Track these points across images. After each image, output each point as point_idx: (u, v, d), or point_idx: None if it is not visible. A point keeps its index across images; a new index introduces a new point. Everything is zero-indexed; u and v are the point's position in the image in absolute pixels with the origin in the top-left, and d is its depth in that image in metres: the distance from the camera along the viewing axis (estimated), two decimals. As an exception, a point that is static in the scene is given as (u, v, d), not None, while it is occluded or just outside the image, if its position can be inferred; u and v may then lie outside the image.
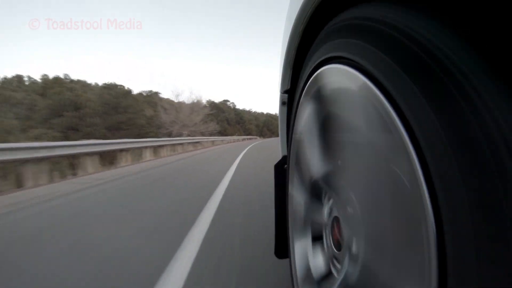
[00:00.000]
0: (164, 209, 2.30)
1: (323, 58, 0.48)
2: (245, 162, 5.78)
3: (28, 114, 20.12)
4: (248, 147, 12.83)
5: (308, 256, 0.62)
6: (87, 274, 1.24)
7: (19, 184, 4.17)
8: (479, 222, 0.20)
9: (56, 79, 26.92)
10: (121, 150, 7.16)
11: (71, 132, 17.64)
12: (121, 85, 27.06)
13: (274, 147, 10.29)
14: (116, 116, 21.90)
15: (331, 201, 0.55)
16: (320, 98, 0.52)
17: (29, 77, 32.03)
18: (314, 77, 0.53)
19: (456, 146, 0.22)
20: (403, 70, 0.27)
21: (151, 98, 30.44)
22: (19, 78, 32.13)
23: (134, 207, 2.43)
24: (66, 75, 30.93)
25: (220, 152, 9.69)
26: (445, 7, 0.25)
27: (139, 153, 8.21)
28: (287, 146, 0.75)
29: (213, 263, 1.30)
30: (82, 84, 29.39)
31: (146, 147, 8.60)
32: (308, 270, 0.61)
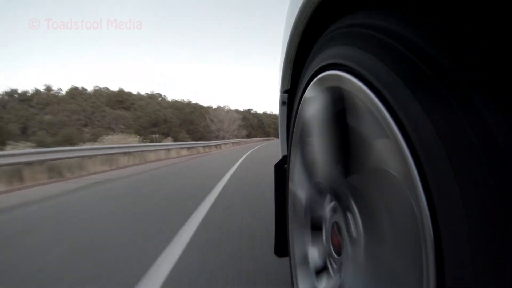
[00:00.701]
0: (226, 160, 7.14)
1: (323, 64, 0.48)
2: (260, 148, 16.34)
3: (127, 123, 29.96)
4: (264, 144, 25.73)
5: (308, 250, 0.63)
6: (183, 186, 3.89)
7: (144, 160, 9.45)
8: (475, 224, 0.20)
9: (127, 93, 38.85)
10: (189, 148, 14.16)
11: (163, 136, 26.34)
12: (188, 101, 45.03)
13: (276, 143, 15.59)
14: (188, 126, 35.10)
15: (331, 204, 0.55)
16: (319, 103, 0.53)
17: (83, 88, 38.75)
18: (315, 82, 0.53)
19: (451, 150, 0.22)
20: (400, 77, 0.28)
21: (196, 109, 43.92)
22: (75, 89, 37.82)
23: (202, 165, 7.06)
24: (121, 89, 40.45)
25: (249, 146, 21.25)
26: (442, 14, 0.26)
27: (207, 147, 16.78)
28: (287, 146, 0.75)
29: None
30: (155, 99, 42.68)
31: (210, 146, 17.58)
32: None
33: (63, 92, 36.14)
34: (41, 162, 5.56)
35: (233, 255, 1.46)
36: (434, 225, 0.23)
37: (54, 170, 5.96)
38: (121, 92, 37.38)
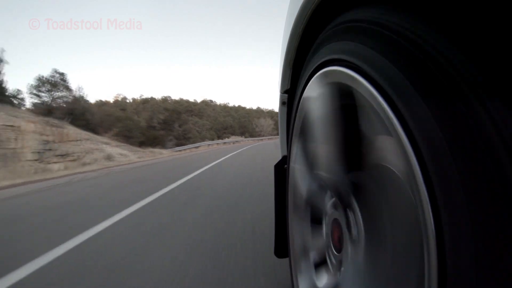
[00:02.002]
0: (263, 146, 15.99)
1: (323, 60, 0.48)
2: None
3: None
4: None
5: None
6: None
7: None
8: (478, 222, 0.20)
9: (205, 102, 51.74)
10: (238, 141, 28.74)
11: (225, 133, 39.08)
12: (240, 106, 57.25)
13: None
14: (243, 129, 46.59)
15: (331, 202, 0.55)
16: (320, 100, 0.53)
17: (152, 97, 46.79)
18: (314, 79, 0.53)
19: (454, 147, 0.22)
20: (402, 72, 0.28)
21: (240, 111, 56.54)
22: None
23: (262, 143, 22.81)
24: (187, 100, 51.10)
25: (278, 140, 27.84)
26: (442, 9, 0.25)
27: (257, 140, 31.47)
28: (287, 146, 0.75)
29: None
30: (209, 104, 53.01)
31: (260, 139, 32.59)
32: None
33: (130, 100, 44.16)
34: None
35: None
36: (436, 223, 0.23)
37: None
38: (181, 100, 47.09)
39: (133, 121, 22.00)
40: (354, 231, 0.43)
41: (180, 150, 17.92)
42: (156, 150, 16.63)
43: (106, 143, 13.16)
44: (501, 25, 0.21)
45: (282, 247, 0.79)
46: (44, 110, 13.64)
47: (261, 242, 1.61)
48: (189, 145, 20.48)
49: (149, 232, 2.00)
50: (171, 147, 20.29)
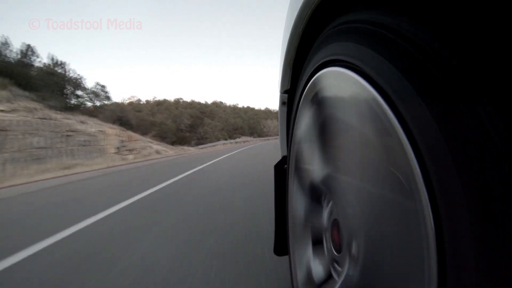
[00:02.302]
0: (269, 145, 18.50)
1: (323, 60, 0.48)
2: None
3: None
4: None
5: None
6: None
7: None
8: (478, 222, 0.20)
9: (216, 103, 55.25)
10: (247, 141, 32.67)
11: (236, 134, 42.43)
12: (249, 107, 60.57)
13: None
14: (252, 130, 49.98)
15: (330, 204, 0.55)
16: (320, 100, 0.52)
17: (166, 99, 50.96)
18: (314, 79, 0.53)
19: (454, 147, 0.22)
20: (402, 73, 0.28)
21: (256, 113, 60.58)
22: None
23: (267, 142, 25.40)
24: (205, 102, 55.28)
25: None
26: (442, 10, 0.25)
27: (265, 140, 34.74)
28: (287, 146, 0.75)
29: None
30: (219, 105, 55.95)
31: (266, 139, 35.44)
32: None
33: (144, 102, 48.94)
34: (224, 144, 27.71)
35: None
36: (436, 223, 0.23)
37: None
38: (193, 102, 51.21)
39: (167, 126, 27.33)
40: (353, 232, 0.43)
41: (202, 148, 23.40)
42: (185, 147, 22.64)
43: (151, 142, 18.30)
44: (500, 24, 0.21)
45: (281, 245, 0.80)
46: (108, 117, 17.67)
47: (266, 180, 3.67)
48: (208, 144, 26.69)
49: (222, 172, 5.08)
50: (193, 146, 26.49)
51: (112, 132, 14.46)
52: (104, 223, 2.29)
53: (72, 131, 11.83)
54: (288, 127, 0.77)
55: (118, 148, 14.23)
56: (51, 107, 12.40)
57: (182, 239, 1.75)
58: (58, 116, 11.98)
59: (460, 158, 0.21)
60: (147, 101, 45.47)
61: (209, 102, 55.69)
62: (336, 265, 0.51)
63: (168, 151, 17.83)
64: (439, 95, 0.23)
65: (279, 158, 0.83)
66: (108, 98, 20.02)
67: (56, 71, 15.72)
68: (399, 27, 0.29)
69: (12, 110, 9.78)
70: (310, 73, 0.55)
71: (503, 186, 0.19)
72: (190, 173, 5.24)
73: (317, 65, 0.51)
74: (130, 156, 14.49)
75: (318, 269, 0.59)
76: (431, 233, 0.24)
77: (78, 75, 18.07)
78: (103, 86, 19.62)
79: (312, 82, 0.54)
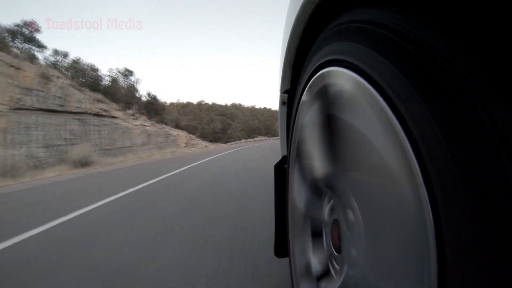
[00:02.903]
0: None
1: (323, 60, 0.48)
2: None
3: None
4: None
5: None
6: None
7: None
8: (478, 222, 0.20)
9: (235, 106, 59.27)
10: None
11: (254, 133, 46.70)
12: (265, 108, 62.87)
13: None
14: (267, 130, 52.07)
15: (331, 203, 0.54)
16: (320, 100, 0.52)
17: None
18: (315, 79, 0.53)
19: (454, 147, 0.22)
20: (402, 73, 0.28)
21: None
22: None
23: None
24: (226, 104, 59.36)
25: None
26: (441, 10, 0.25)
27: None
28: (287, 146, 0.75)
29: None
30: (238, 107, 59.84)
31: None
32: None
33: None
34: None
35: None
36: (436, 223, 0.23)
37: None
38: (214, 104, 56.48)
39: (206, 129, 38.66)
40: (353, 231, 0.43)
41: (230, 144, 31.00)
42: (220, 144, 31.04)
43: (199, 140, 27.89)
44: (499, 24, 0.21)
45: (282, 247, 0.80)
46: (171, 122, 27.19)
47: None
48: (233, 142, 34.83)
49: (248, 149, 15.01)
50: (224, 143, 34.65)
51: (182, 134, 25.17)
52: (204, 163, 7.74)
53: (168, 134, 22.73)
54: (288, 127, 0.77)
55: (185, 143, 24.24)
56: (156, 122, 22.98)
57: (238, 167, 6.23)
58: (159, 126, 22.93)
59: (460, 158, 0.21)
60: (171, 103, 48.75)
61: (229, 103, 59.64)
62: (334, 262, 0.51)
63: (210, 146, 26.92)
64: (440, 94, 0.23)
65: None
66: (163, 108, 27.76)
67: (155, 101, 25.32)
68: (399, 27, 0.29)
69: (149, 125, 20.74)
70: (310, 73, 0.55)
71: (503, 186, 0.19)
72: (231, 152, 13.43)
73: (317, 65, 0.51)
74: (194, 148, 23.76)
75: (316, 263, 0.59)
76: (430, 232, 0.23)
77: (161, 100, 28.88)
78: (154, 96, 26.54)
79: (312, 82, 0.54)
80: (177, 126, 26.88)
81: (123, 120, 17.69)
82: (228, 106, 57.54)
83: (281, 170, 0.79)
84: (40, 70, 12.52)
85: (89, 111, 14.82)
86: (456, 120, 0.22)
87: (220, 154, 11.57)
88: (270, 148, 12.70)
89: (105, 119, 15.98)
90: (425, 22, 0.26)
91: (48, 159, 11.47)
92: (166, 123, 24.71)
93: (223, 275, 1.24)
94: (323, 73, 0.48)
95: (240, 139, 38.34)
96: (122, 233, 2.03)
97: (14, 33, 15.07)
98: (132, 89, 22.93)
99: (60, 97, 13.10)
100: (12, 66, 11.23)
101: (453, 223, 0.22)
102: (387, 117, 0.29)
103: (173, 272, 1.33)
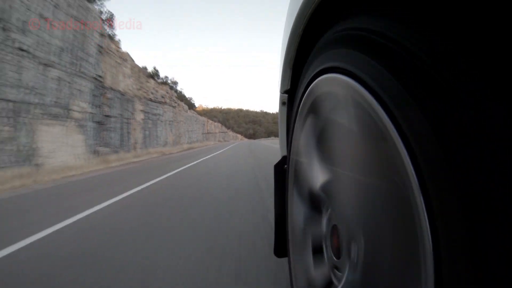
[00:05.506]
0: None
1: (322, 67, 0.48)
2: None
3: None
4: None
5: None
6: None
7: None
8: (472, 224, 0.20)
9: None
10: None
11: (271, 135, 57.93)
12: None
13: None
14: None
15: (328, 210, 0.54)
16: (319, 107, 0.53)
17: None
18: (313, 85, 0.53)
19: (449, 149, 0.22)
20: (398, 81, 0.28)
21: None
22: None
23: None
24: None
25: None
26: (437, 16, 0.26)
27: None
28: (287, 147, 0.74)
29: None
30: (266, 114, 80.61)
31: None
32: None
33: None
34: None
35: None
36: (432, 227, 0.23)
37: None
38: (241, 110, 66.15)
39: (243, 132, 50.71)
40: (352, 235, 0.43)
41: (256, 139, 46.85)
42: (251, 140, 42.67)
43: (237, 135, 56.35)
44: (497, 26, 0.21)
45: (281, 247, 0.80)
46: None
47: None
48: (258, 138, 44.39)
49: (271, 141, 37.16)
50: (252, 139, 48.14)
51: (217, 129, 31.46)
52: (229, 149, 17.22)
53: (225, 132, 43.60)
54: (288, 127, 0.76)
55: (223, 137, 31.18)
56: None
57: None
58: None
59: (454, 161, 0.21)
60: (199, 106, 56.09)
61: (258, 110, 69.12)
62: (336, 271, 0.51)
63: (244, 139, 34.31)
64: (435, 101, 0.23)
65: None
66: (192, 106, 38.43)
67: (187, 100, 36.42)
68: (396, 35, 0.29)
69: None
70: (310, 78, 0.55)
71: (501, 188, 0.19)
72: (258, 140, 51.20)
73: (316, 71, 0.51)
74: (232, 140, 30.01)
75: (318, 274, 0.58)
76: (426, 235, 0.24)
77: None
78: (190, 99, 36.68)
79: (311, 88, 0.54)
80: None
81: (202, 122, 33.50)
82: (258, 112, 69.15)
83: (281, 171, 0.79)
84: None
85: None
86: (452, 124, 0.22)
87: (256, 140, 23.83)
88: (272, 143, 24.91)
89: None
90: (424, 30, 0.26)
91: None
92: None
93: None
94: (322, 79, 0.48)
95: (262, 137, 51.51)
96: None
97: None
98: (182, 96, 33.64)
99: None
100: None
101: (448, 226, 0.22)
102: (383, 123, 0.30)
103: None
